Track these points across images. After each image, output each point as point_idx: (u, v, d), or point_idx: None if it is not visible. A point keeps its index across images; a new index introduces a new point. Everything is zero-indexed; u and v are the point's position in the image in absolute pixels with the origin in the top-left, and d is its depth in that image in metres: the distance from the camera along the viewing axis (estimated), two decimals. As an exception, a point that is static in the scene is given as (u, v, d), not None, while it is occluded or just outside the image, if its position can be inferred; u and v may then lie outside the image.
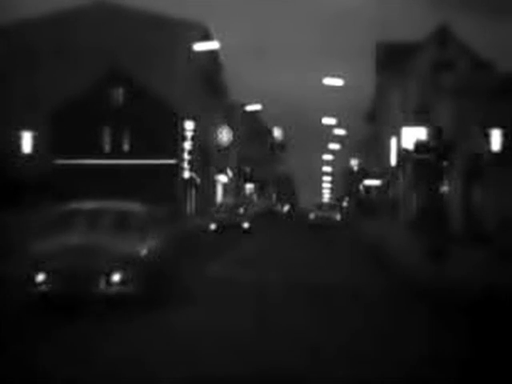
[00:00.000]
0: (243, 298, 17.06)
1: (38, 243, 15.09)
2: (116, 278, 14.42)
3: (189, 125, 63.90)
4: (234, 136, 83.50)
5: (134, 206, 16.98)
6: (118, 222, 15.89)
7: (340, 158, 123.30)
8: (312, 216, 58.59)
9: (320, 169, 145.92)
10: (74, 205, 16.71)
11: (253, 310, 15.34)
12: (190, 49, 57.29)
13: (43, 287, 14.36)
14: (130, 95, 60.73)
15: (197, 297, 17.05)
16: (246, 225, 48.12)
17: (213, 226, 46.98)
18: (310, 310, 15.78)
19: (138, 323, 13.50)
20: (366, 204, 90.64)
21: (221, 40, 76.52)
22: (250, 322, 13.93)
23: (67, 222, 15.84)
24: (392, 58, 68.67)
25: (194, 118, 64.18)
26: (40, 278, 14.32)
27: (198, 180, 69.23)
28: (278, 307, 16.06)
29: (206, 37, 64.90)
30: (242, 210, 50.31)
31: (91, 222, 15.85)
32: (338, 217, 58.62)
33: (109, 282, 14.40)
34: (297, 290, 18.86)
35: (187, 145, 63.89)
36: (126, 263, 14.52)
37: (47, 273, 14.31)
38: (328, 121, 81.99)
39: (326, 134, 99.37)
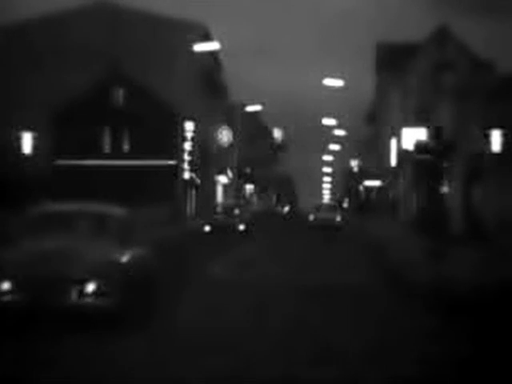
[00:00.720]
0: (231, 311, 15.52)
1: (6, 247, 13.51)
2: (90, 288, 12.55)
3: (189, 125, 63.83)
4: (233, 136, 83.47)
5: (115, 209, 15.35)
6: (96, 226, 14.36)
7: (340, 158, 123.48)
8: (312, 217, 58.40)
9: (320, 169, 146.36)
10: (49, 207, 15.30)
11: (239, 326, 13.79)
12: (189, 49, 57.26)
13: (7, 297, 12.53)
14: (130, 95, 60.69)
15: (180, 311, 15.42)
16: (241, 227, 46.64)
17: (207, 228, 45.31)
18: (309, 314, 15.69)
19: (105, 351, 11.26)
20: (366, 205, 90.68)
21: (221, 40, 76.54)
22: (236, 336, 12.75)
23: (40, 225, 14.27)
24: (392, 58, 68.72)
25: (193, 119, 64.14)
26: (5, 286, 12.54)
27: (198, 181, 69.19)
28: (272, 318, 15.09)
29: (206, 37, 64.92)
30: (237, 212, 49.38)
31: (66, 226, 14.29)
32: (338, 218, 58.40)
33: (82, 293, 12.52)
34: (294, 294, 18.48)
35: (187, 145, 63.83)
36: (102, 272, 12.72)
37: (13, 281, 12.54)
38: (328, 121, 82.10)
39: (326, 134, 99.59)
